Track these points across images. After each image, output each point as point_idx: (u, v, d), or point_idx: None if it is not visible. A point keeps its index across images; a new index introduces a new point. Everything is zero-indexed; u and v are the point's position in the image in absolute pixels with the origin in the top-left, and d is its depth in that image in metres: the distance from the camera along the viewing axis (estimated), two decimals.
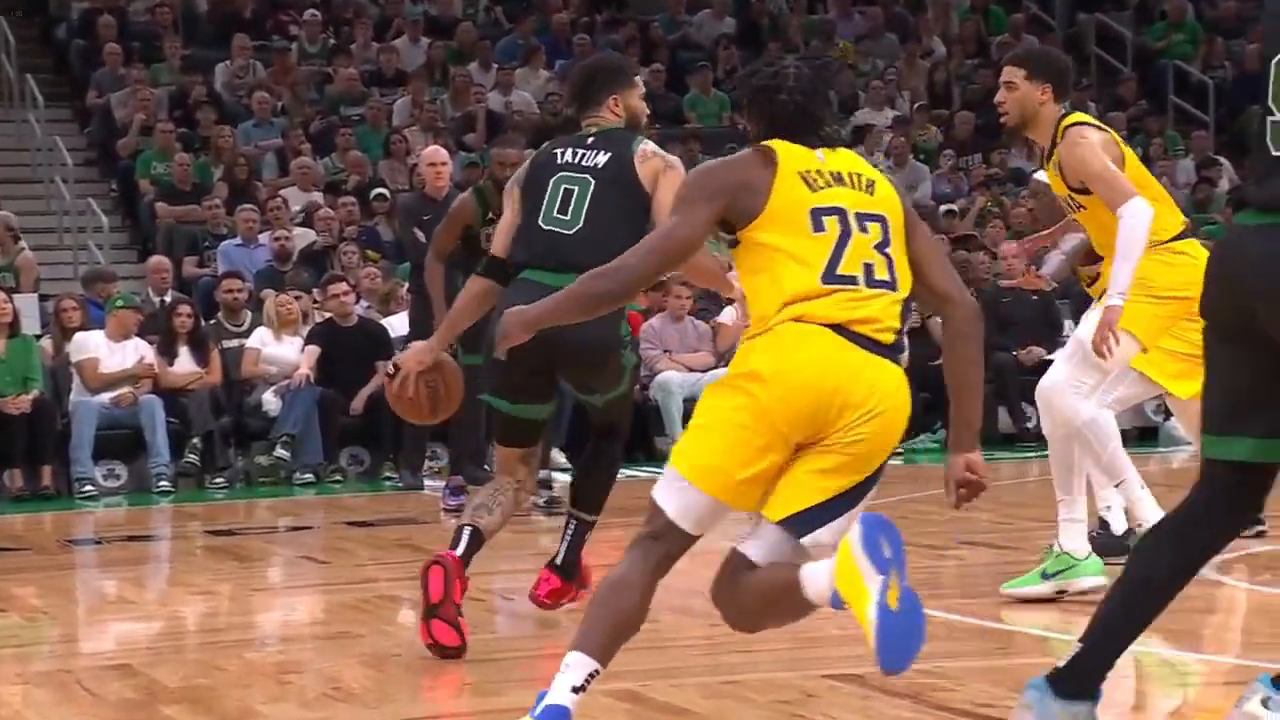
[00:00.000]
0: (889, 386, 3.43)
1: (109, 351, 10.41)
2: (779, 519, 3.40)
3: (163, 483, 10.16)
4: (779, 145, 3.50)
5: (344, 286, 10.88)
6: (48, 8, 16.07)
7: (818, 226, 3.43)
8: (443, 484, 9.11)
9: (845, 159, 3.56)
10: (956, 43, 17.50)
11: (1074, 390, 5.45)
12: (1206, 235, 5.52)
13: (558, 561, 5.17)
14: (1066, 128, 5.36)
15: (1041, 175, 6.60)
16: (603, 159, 4.91)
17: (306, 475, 10.36)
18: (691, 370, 11.38)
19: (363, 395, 10.60)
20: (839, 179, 3.49)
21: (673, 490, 3.39)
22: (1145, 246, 5.26)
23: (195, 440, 10.41)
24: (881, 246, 3.46)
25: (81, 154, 14.51)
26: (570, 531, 5.16)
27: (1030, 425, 11.83)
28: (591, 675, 3.30)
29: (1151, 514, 5.52)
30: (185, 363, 10.65)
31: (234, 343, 10.97)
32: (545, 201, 4.89)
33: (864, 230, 3.44)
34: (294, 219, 12.79)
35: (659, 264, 3.58)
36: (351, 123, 14.43)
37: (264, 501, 9.89)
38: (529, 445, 4.99)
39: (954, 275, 3.62)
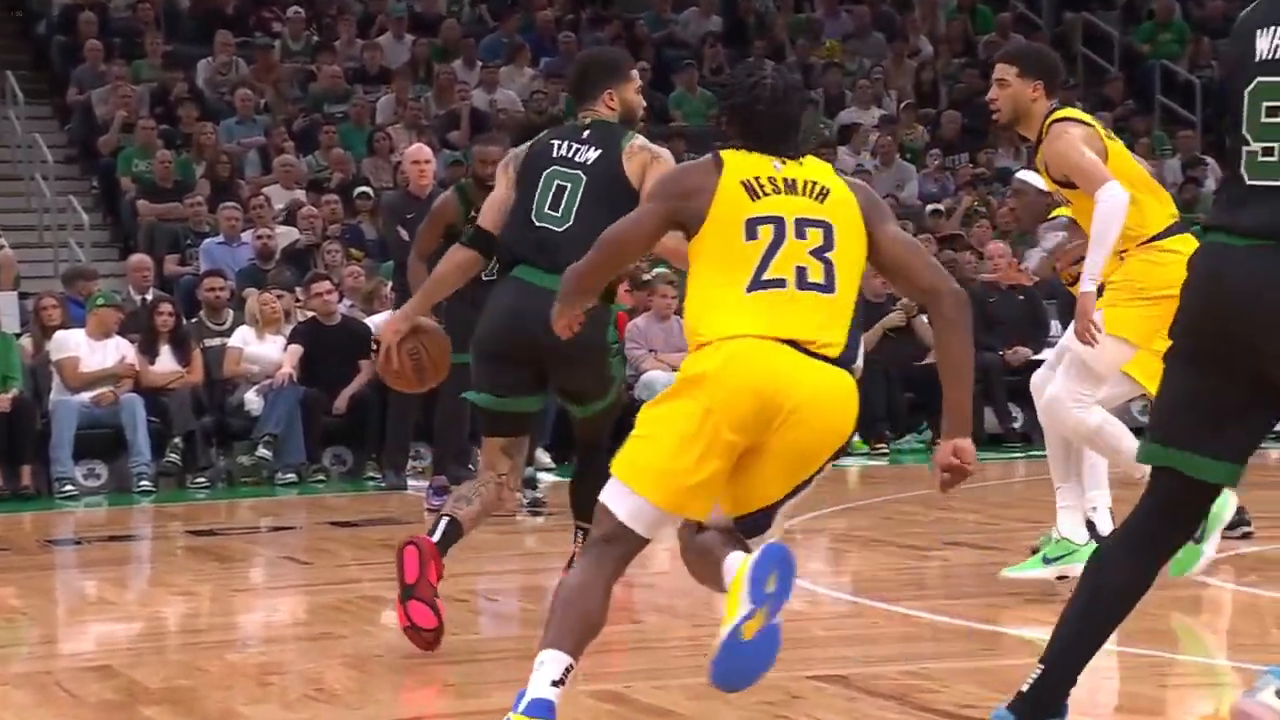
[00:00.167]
0: (828, 390, 3.49)
1: (89, 350, 10.36)
2: (739, 513, 3.57)
3: (144, 482, 10.10)
4: (730, 154, 3.62)
5: (327, 285, 10.83)
6: (27, 3, 15.99)
7: (750, 235, 3.53)
8: (426, 484, 9.07)
9: (807, 169, 3.63)
10: (943, 42, 17.50)
11: (1077, 405, 5.45)
12: (1196, 235, 5.52)
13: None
14: (1051, 123, 5.37)
15: (1023, 174, 6.61)
16: (593, 156, 4.93)
17: (289, 475, 10.32)
18: (676, 370, 11.35)
19: (345, 395, 10.56)
20: (790, 187, 3.58)
21: (620, 496, 3.48)
22: (1121, 234, 5.27)
23: (177, 440, 10.36)
24: (820, 251, 3.54)
25: (62, 151, 14.44)
26: (581, 540, 5.15)
27: (1016, 425, 11.84)
28: (568, 670, 3.35)
29: None
30: (167, 362, 10.59)
31: (216, 341, 10.92)
32: (538, 196, 4.92)
33: (801, 236, 3.54)
34: (277, 217, 12.74)
35: (607, 255, 3.71)
36: (335, 120, 14.38)
37: (246, 501, 9.84)
38: (515, 435, 4.98)
39: (937, 267, 3.66)
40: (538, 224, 4.89)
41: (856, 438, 11.74)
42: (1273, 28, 3.14)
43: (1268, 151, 3.11)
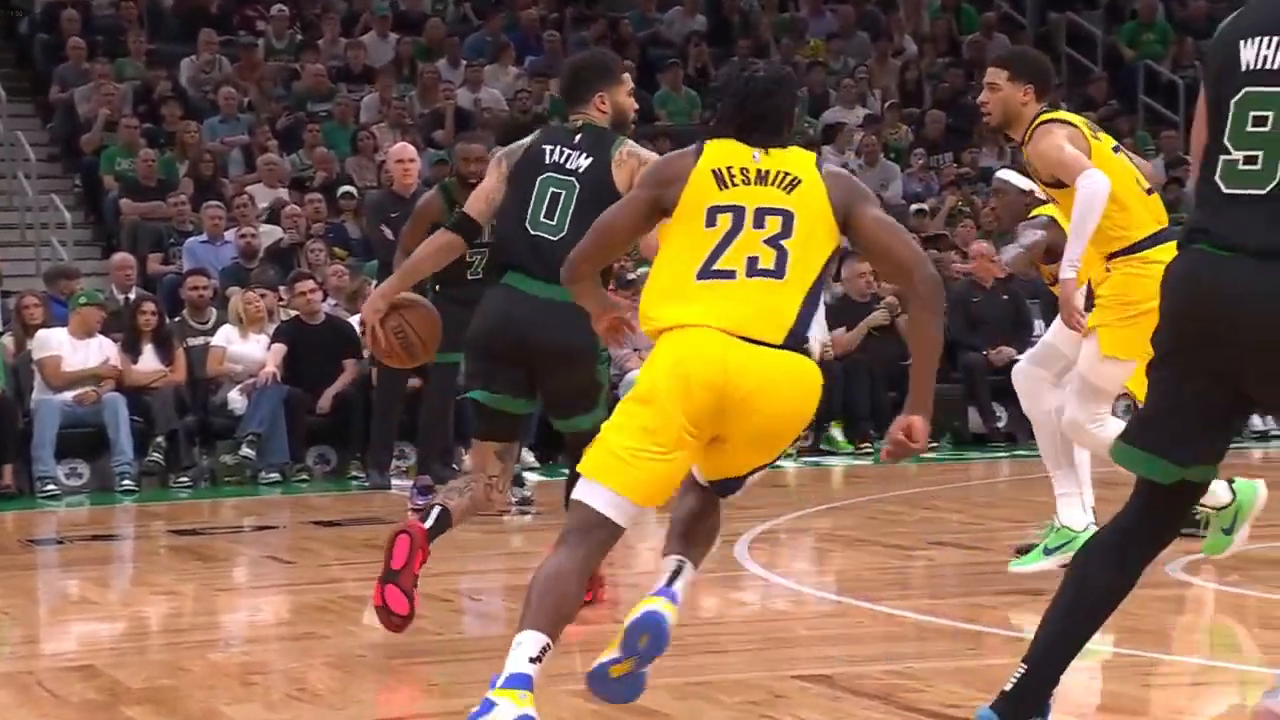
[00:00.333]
0: (779, 375, 3.59)
1: (72, 349, 10.32)
2: (713, 478, 3.80)
3: (126, 482, 10.06)
4: (712, 144, 3.75)
5: (311, 284, 10.81)
6: (10, 1, 15.92)
7: (710, 222, 3.66)
8: (410, 483, 9.06)
9: (784, 160, 3.73)
10: (928, 41, 17.52)
11: (1095, 424, 5.50)
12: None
13: None
14: (1036, 125, 5.41)
15: (1003, 173, 6.65)
16: (585, 163, 4.98)
17: (272, 474, 10.29)
18: None
19: (329, 394, 10.54)
20: (761, 178, 3.70)
21: (592, 491, 3.59)
22: (1105, 236, 5.34)
23: (159, 439, 10.32)
24: (775, 239, 3.64)
25: (44, 149, 14.39)
26: None
27: (1001, 425, 11.86)
28: (545, 649, 3.45)
29: None
30: (149, 361, 10.56)
31: (199, 341, 10.88)
32: (532, 203, 4.97)
33: (759, 225, 3.65)
34: (260, 216, 12.70)
35: (596, 242, 3.86)
36: (319, 119, 14.35)
37: (229, 501, 9.81)
38: (506, 440, 5.04)
39: (914, 248, 3.75)
40: (532, 232, 4.94)
41: (840, 437, 11.89)
42: (1257, 38, 3.15)
43: (1250, 160, 3.12)
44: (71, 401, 10.16)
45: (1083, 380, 5.51)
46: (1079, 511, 5.67)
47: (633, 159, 4.94)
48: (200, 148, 13.52)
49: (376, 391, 9.77)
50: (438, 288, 7.88)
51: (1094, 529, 5.44)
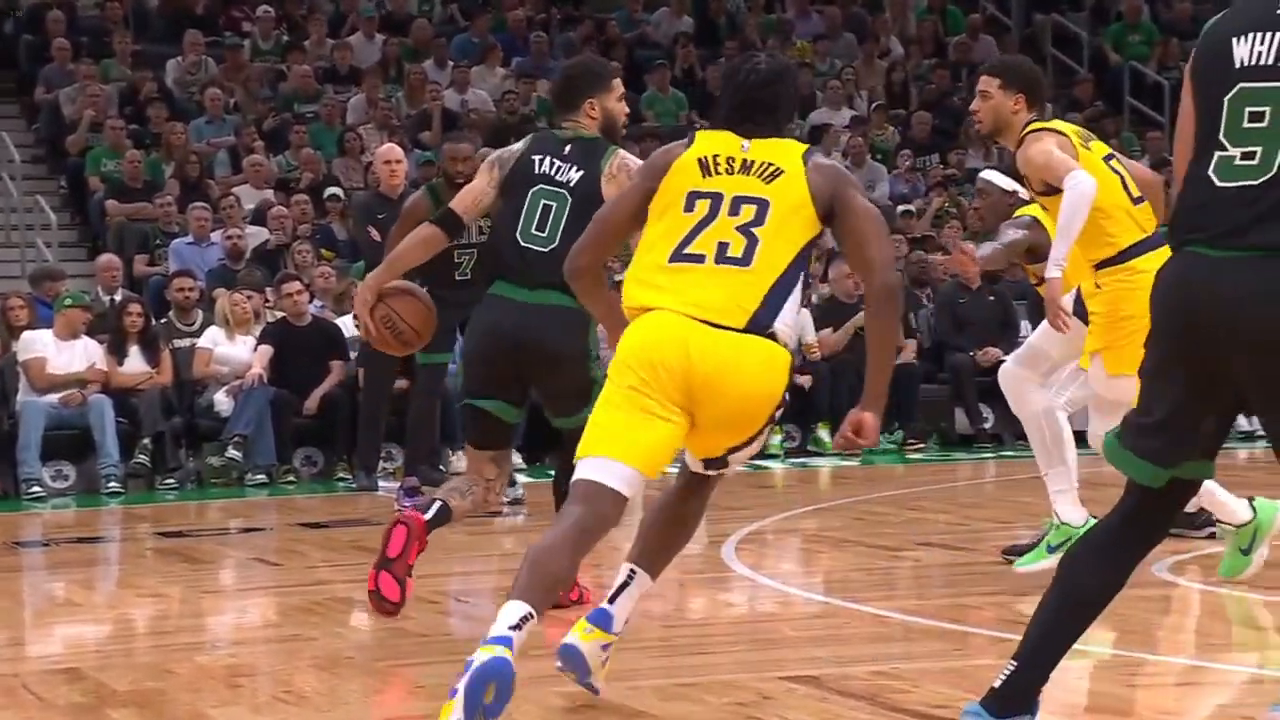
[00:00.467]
0: (741, 358, 3.70)
1: (57, 351, 10.29)
2: (697, 458, 3.94)
3: (112, 484, 10.04)
4: (703, 133, 3.89)
5: (297, 285, 10.79)
6: None
7: (688, 208, 3.79)
8: (397, 485, 9.05)
9: (773, 150, 3.84)
10: (914, 43, 17.55)
11: None
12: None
13: None
14: (1025, 134, 5.50)
15: (987, 173, 6.69)
16: (576, 176, 5.04)
17: (259, 476, 10.27)
18: None
19: (316, 395, 10.52)
20: (745, 168, 3.81)
21: (588, 465, 3.73)
22: (1094, 241, 5.41)
23: (146, 441, 10.30)
24: (748, 226, 3.75)
25: (29, 150, 14.35)
26: None
27: (987, 426, 11.88)
28: (526, 618, 3.53)
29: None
30: (135, 362, 10.53)
31: (185, 342, 10.86)
32: (523, 215, 5.03)
33: (734, 213, 3.76)
34: (246, 217, 12.68)
35: (597, 233, 3.97)
36: (305, 120, 14.33)
37: (216, 503, 9.79)
38: (500, 448, 5.15)
39: (883, 251, 3.83)
40: (523, 243, 5.01)
41: (827, 438, 11.91)
42: (1251, 35, 3.16)
43: (1247, 156, 3.12)
44: (57, 403, 10.14)
45: (1099, 398, 5.62)
46: (1076, 507, 5.72)
47: (623, 173, 4.99)
48: (186, 149, 13.50)
49: (363, 393, 9.76)
50: (425, 288, 7.87)
51: (1094, 522, 5.50)
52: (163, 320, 11.07)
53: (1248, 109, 3.13)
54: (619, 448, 3.70)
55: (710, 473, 3.97)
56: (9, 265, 13.15)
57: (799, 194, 3.78)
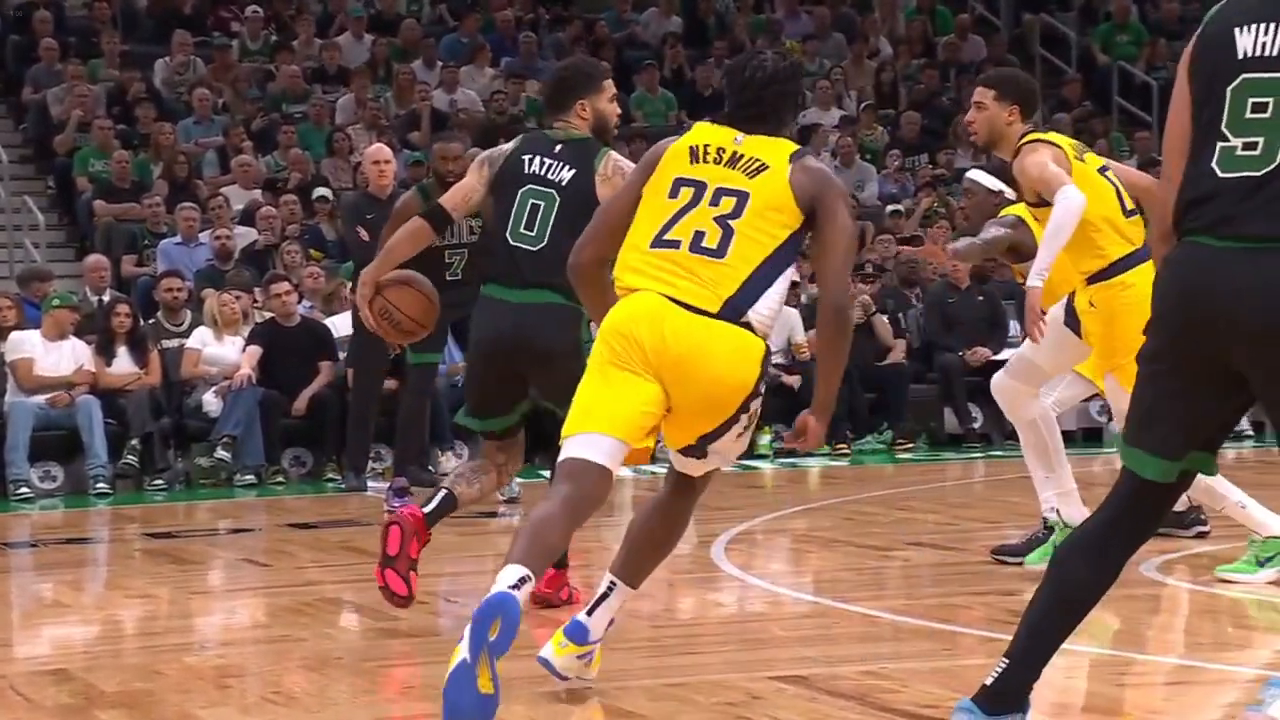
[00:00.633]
0: (714, 344, 3.78)
1: (45, 351, 10.27)
2: (673, 448, 4.02)
3: (100, 484, 10.02)
4: (700, 125, 3.99)
5: (286, 286, 10.77)
6: None
7: (673, 194, 3.88)
8: (386, 485, 9.04)
9: (763, 146, 3.91)
10: (903, 43, 17.56)
11: None
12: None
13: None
14: (1022, 145, 5.59)
15: (973, 173, 6.74)
16: (567, 175, 5.06)
17: (248, 477, 10.25)
18: None
19: (305, 396, 10.51)
20: (734, 161, 3.89)
21: (570, 443, 3.85)
22: (1084, 253, 5.50)
23: (134, 441, 10.28)
24: (725, 218, 3.83)
25: (17, 151, 14.32)
26: None
27: (976, 426, 11.89)
28: (525, 578, 3.63)
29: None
30: (124, 363, 10.51)
31: (174, 343, 10.84)
32: (513, 215, 5.08)
33: (714, 203, 3.85)
34: (235, 217, 12.66)
35: (595, 227, 4.05)
36: (294, 120, 14.30)
37: (204, 504, 9.78)
38: (506, 439, 5.23)
39: (838, 270, 3.90)
40: (512, 242, 5.06)
41: None
42: (1254, 25, 3.17)
43: (1249, 146, 3.13)
44: (44, 404, 10.11)
45: (1121, 411, 5.64)
46: (1080, 508, 5.77)
47: (618, 174, 5.02)
48: (175, 149, 13.47)
49: (352, 393, 9.75)
50: None
51: None
52: (151, 321, 11.05)
53: (1250, 100, 3.14)
54: (599, 421, 3.80)
55: (691, 469, 4.00)
56: None
57: (780, 191, 3.85)
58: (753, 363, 3.83)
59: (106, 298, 11.22)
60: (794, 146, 3.94)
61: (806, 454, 3.95)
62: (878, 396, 11.90)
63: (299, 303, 10.95)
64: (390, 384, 9.61)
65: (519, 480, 8.58)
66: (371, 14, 16.29)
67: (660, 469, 4.12)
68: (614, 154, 5.14)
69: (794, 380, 11.15)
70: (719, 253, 3.82)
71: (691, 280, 3.80)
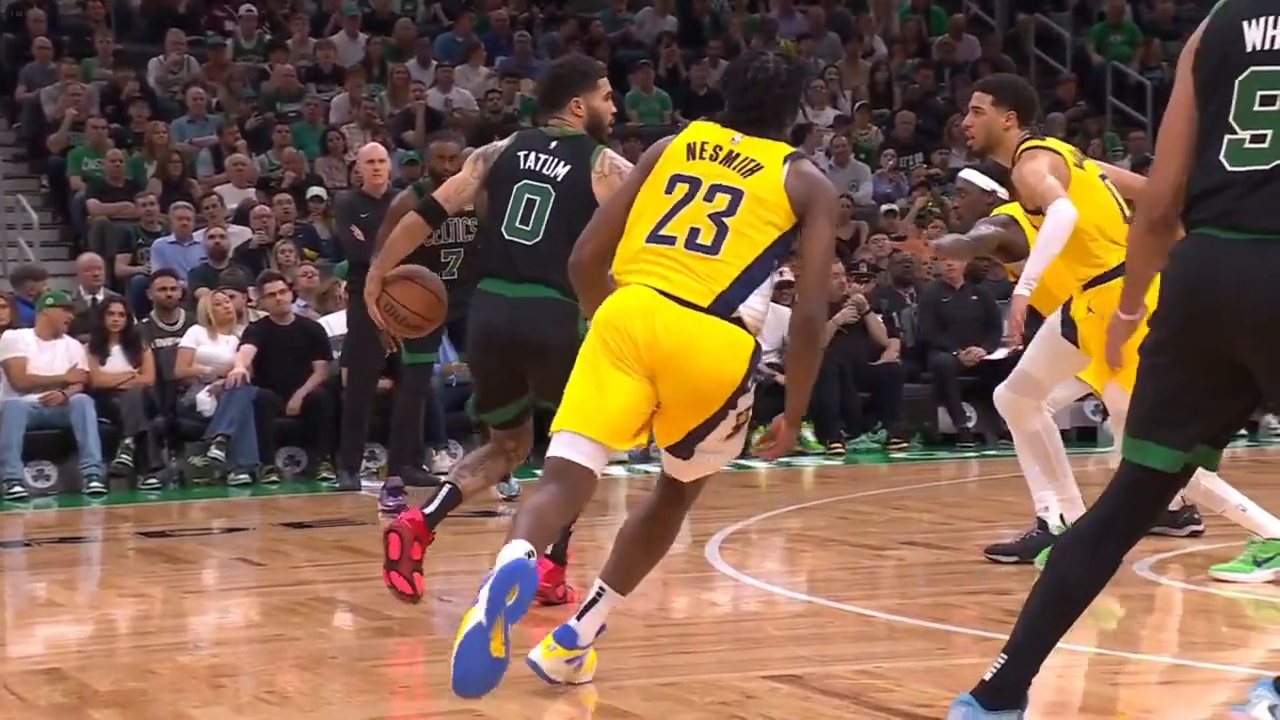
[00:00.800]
0: (703, 339, 3.82)
1: (38, 350, 10.25)
2: (662, 446, 4.04)
3: (94, 484, 10.01)
4: (697, 123, 4.03)
5: (280, 285, 10.76)
6: None
7: (669, 189, 3.93)
8: (380, 485, 9.03)
9: (759, 147, 3.94)
10: (898, 42, 17.57)
11: None
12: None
13: (547, 551, 5.25)
14: (1021, 151, 5.63)
15: (966, 173, 6.76)
16: (563, 171, 5.09)
17: (242, 476, 10.24)
18: None
19: (299, 395, 10.50)
20: (729, 159, 3.93)
21: (556, 441, 3.92)
22: (1083, 260, 5.54)
23: (128, 440, 10.26)
24: (720, 215, 3.88)
25: (10, 150, 14.31)
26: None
27: (970, 425, 11.90)
28: (530, 553, 3.71)
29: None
30: (118, 362, 10.49)
31: (167, 342, 10.83)
32: (508, 209, 5.11)
33: (709, 199, 3.89)
34: (229, 216, 12.65)
35: (595, 224, 4.07)
36: (288, 119, 14.29)
37: (198, 503, 9.76)
38: (511, 429, 5.28)
39: (812, 282, 3.92)
40: (507, 237, 5.10)
41: (811, 437, 11.90)
42: (1263, 18, 3.17)
43: (1257, 139, 3.14)
44: (38, 403, 10.10)
45: (1121, 415, 5.64)
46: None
47: (614, 174, 5.05)
48: (168, 148, 13.46)
49: (347, 392, 9.74)
50: None
51: None
52: (145, 320, 11.03)
53: (1259, 92, 3.15)
54: (588, 424, 3.86)
55: (681, 473, 4.01)
56: None
57: (774, 191, 3.89)
58: (741, 358, 3.85)
59: (100, 297, 11.21)
60: (789, 148, 3.97)
61: (769, 461, 4.01)
62: (872, 396, 11.90)
63: (293, 302, 10.94)
64: (385, 383, 9.60)
65: (518, 480, 8.58)
66: (366, 13, 16.28)
67: (654, 467, 4.13)
68: (610, 152, 5.17)
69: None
70: (713, 249, 3.86)
71: (685, 275, 3.84)
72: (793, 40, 17.06)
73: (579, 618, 4.06)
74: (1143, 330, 3.37)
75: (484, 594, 3.59)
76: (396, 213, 7.81)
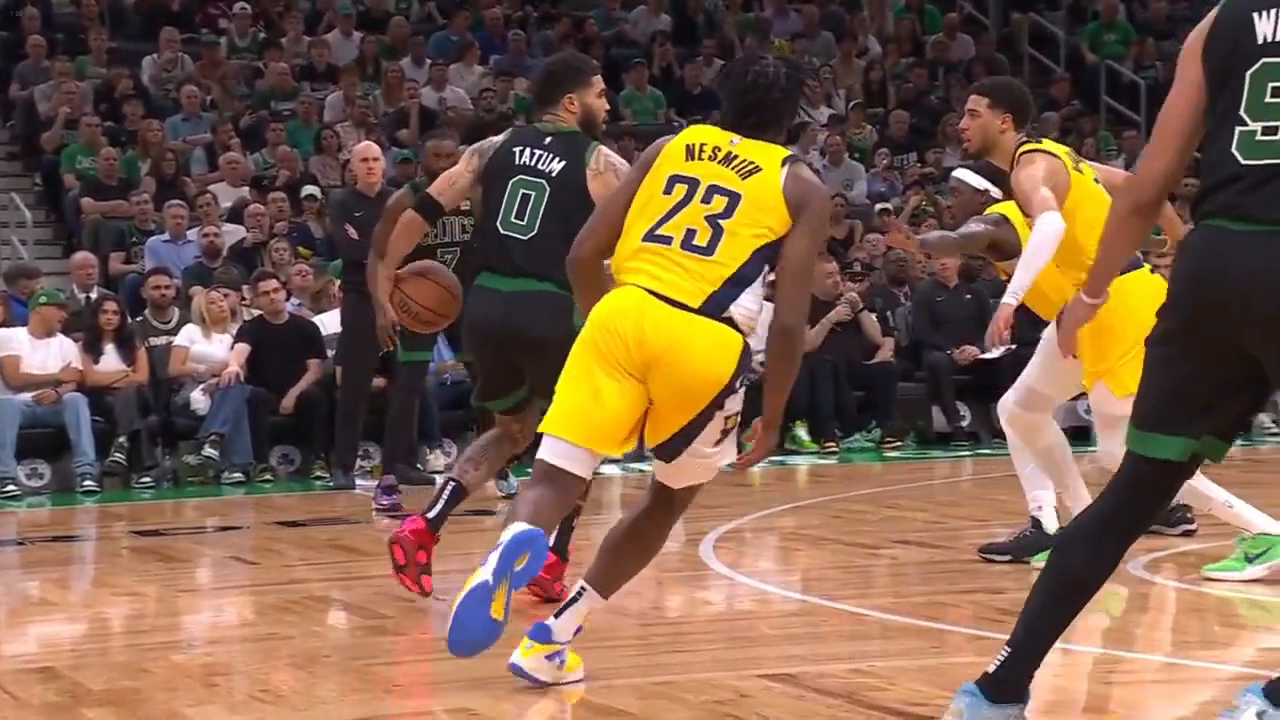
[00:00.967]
0: (693, 339, 3.85)
1: (32, 349, 10.24)
2: (650, 448, 4.05)
3: (88, 482, 9.99)
4: (696, 125, 4.09)
5: (274, 283, 10.75)
6: None
7: (667, 189, 3.95)
8: (374, 483, 9.03)
9: (757, 150, 3.97)
10: (892, 41, 17.58)
11: None
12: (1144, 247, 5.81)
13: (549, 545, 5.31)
14: (1020, 155, 5.64)
15: (960, 172, 6.76)
16: (558, 166, 5.13)
17: (236, 475, 10.24)
18: None
19: (293, 394, 10.49)
20: (727, 160, 3.96)
21: (545, 445, 3.96)
22: (1079, 263, 5.49)
23: (122, 439, 10.25)
24: (716, 217, 3.90)
25: (4, 147, 14.29)
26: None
27: (964, 424, 11.91)
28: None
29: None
30: (111, 361, 10.48)
31: (161, 340, 10.82)
32: (503, 205, 5.15)
33: (706, 201, 3.91)
34: (223, 215, 12.64)
35: (594, 221, 4.10)
36: (282, 118, 14.28)
37: (192, 501, 9.76)
38: (514, 414, 5.33)
39: (799, 293, 3.95)
40: (502, 232, 5.13)
41: (805, 436, 11.91)
42: (1274, 10, 3.17)
43: (1269, 131, 3.14)
44: (31, 402, 10.09)
45: (1107, 418, 5.67)
46: None
47: (609, 172, 5.08)
48: (162, 146, 13.44)
49: (341, 391, 9.73)
50: None
51: None
52: (138, 318, 11.02)
53: (1270, 84, 3.15)
54: (578, 430, 3.90)
55: (670, 478, 4.02)
56: None
57: (771, 193, 3.91)
58: (729, 358, 3.87)
59: (94, 295, 11.19)
60: (786, 151, 3.99)
61: (748, 467, 4.01)
62: (866, 394, 11.91)
63: (287, 300, 10.94)
64: (379, 382, 9.59)
65: (516, 479, 8.57)
66: (360, 11, 16.27)
67: (649, 466, 4.13)
68: (604, 148, 5.20)
69: None
70: (708, 250, 3.88)
71: (679, 274, 3.87)
72: (787, 39, 17.08)
73: (556, 615, 4.07)
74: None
75: (493, 556, 3.68)
76: (393, 211, 7.81)
